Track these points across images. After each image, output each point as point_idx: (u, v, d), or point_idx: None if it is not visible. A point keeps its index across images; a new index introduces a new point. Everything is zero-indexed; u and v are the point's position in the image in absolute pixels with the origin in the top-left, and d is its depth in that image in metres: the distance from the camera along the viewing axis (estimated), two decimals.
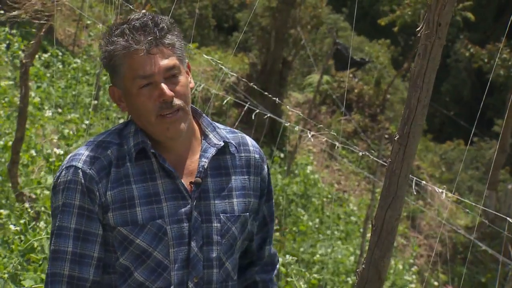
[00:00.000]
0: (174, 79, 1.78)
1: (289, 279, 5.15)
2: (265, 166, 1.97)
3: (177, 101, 1.77)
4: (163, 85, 1.75)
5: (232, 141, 1.91)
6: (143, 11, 1.77)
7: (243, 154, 1.92)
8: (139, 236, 1.76)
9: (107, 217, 1.76)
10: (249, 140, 1.96)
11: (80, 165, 1.76)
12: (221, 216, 1.84)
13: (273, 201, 2.05)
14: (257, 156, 1.95)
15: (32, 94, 8.43)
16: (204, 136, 1.88)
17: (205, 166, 1.83)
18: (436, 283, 11.27)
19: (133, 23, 1.76)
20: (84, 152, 1.79)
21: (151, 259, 1.77)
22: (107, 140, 1.82)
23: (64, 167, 1.79)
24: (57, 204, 1.78)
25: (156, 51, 1.75)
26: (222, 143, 1.87)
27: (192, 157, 1.86)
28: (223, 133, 1.91)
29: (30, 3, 3.85)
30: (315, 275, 6.07)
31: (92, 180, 1.75)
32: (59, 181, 1.79)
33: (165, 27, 1.78)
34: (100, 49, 1.81)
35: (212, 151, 1.85)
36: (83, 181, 1.75)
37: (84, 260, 1.75)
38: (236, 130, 1.97)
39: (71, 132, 6.49)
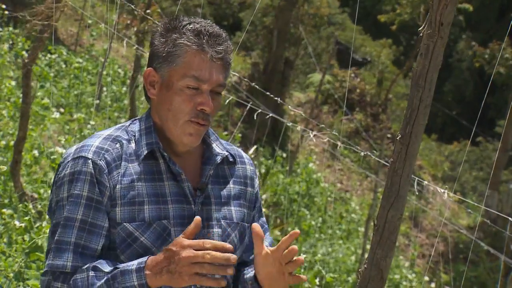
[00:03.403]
0: (216, 96, 1.80)
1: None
2: (256, 179, 2.01)
3: (210, 116, 1.80)
4: (209, 96, 1.78)
5: (230, 152, 1.94)
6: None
7: (239, 166, 1.96)
8: (145, 234, 1.74)
9: (114, 211, 1.74)
10: (243, 153, 2.02)
11: (90, 155, 1.74)
12: (222, 222, 1.84)
13: (264, 218, 2.06)
14: (252, 168, 2.00)
15: (39, 94, 8.45)
16: (206, 144, 1.90)
17: (211, 173, 1.85)
18: (435, 283, 11.26)
19: (207, 27, 1.78)
20: (93, 144, 1.77)
21: None
22: (116, 134, 1.82)
23: (70, 158, 1.76)
24: (62, 196, 1.74)
25: (219, 62, 1.78)
26: (226, 153, 1.90)
27: (194, 163, 1.87)
28: (224, 143, 1.95)
29: (42, 14, 3.86)
30: (331, 274, 6.06)
31: (102, 171, 1.73)
32: (64, 173, 1.75)
33: (231, 46, 1.82)
34: (159, 30, 1.81)
35: (217, 159, 1.87)
36: (93, 171, 1.73)
37: (87, 252, 1.72)
38: (230, 143, 2.01)
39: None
